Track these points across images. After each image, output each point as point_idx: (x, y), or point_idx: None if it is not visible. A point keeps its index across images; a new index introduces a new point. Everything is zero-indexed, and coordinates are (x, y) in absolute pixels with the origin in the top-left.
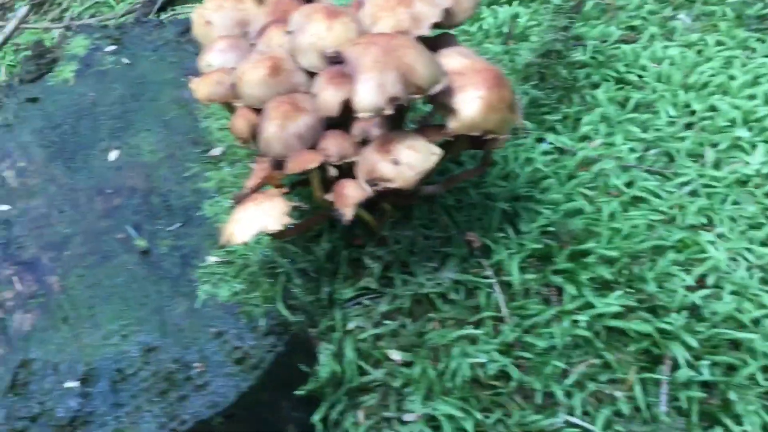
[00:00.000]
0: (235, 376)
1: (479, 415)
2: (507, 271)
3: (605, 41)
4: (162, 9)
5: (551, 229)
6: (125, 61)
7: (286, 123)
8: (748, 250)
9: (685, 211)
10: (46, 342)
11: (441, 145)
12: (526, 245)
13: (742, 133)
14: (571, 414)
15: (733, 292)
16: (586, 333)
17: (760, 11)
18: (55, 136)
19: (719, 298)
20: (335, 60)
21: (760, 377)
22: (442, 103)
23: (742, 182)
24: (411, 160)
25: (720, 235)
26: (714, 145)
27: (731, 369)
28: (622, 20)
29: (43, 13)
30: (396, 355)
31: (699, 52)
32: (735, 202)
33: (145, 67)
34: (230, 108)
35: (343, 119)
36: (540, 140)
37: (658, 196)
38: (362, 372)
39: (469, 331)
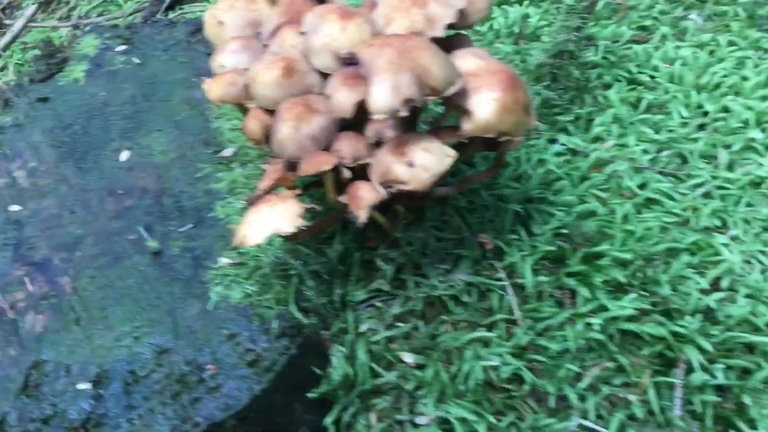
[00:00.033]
0: (248, 379)
1: (492, 419)
2: (520, 274)
3: (617, 41)
4: (170, 8)
5: (564, 231)
6: (136, 61)
7: (300, 124)
8: (763, 252)
9: (698, 213)
10: (58, 343)
11: (454, 147)
12: (539, 247)
13: (756, 134)
14: (584, 418)
15: (747, 296)
16: (600, 336)
17: None
18: (65, 136)
19: (733, 301)
20: (349, 61)
21: None
22: (456, 104)
23: (756, 184)
24: (426, 162)
25: (734, 238)
26: (727, 147)
27: (746, 372)
28: (634, 20)
29: (51, 11)
30: (408, 358)
31: (711, 52)
32: (749, 204)
33: (156, 67)
34: (243, 109)
35: (357, 120)
36: (552, 141)
37: (671, 197)
38: (374, 374)
39: (482, 333)
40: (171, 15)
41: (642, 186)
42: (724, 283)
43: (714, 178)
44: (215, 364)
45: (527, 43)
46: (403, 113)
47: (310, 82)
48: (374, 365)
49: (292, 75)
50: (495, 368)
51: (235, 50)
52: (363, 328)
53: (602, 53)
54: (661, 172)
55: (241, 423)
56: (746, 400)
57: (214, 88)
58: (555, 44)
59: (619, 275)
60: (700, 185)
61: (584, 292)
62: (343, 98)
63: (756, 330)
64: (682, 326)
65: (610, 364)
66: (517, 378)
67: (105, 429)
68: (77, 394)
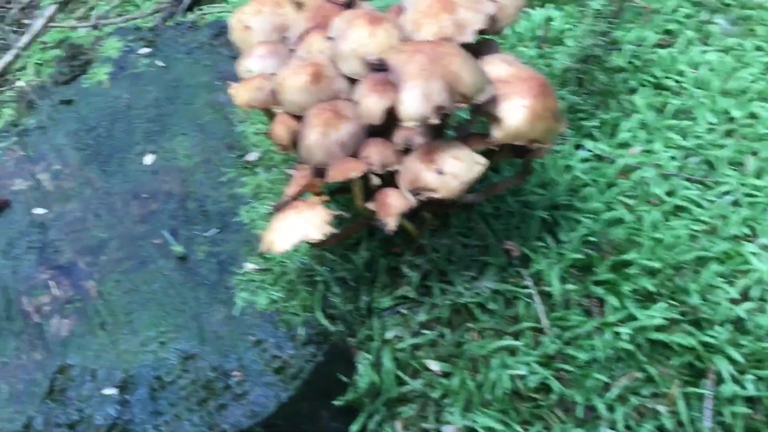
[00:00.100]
0: (275, 386)
1: (519, 428)
2: (547, 281)
3: (640, 45)
4: (189, 8)
5: (592, 238)
6: (159, 63)
7: (328, 130)
8: None
9: (727, 221)
10: (84, 348)
11: (483, 154)
12: (567, 255)
13: None
14: (613, 428)
15: None
16: (629, 346)
17: None
18: (90, 139)
19: (763, 311)
20: (378, 67)
21: None
22: (486, 111)
23: None
24: (455, 169)
25: (764, 246)
26: (755, 153)
27: None
28: (658, 24)
29: (69, 11)
30: (434, 366)
31: (737, 57)
32: None
33: (180, 69)
34: (269, 114)
35: (384, 127)
36: (578, 147)
37: (699, 205)
38: (400, 382)
39: (509, 342)
40: (190, 16)
41: (670, 193)
42: (754, 292)
43: (742, 185)
44: (241, 371)
45: (551, 47)
46: (434, 121)
47: (337, 88)
48: (400, 373)
49: (320, 80)
50: (522, 377)
51: (262, 55)
52: (389, 335)
53: (628, 57)
54: (688, 179)
55: (267, 431)
56: None
57: (240, 93)
58: (581, 48)
59: (648, 284)
60: (728, 193)
61: (612, 300)
62: (372, 104)
63: None
64: (711, 336)
65: (639, 375)
66: (544, 387)
67: None
68: (103, 399)
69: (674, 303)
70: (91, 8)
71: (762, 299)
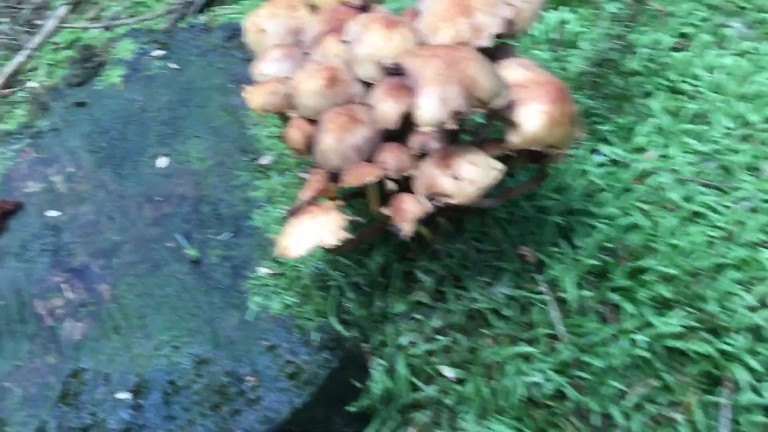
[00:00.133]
0: (289, 392)
1: None
2: (562, 288)
3: (655, 48)
4: (200, 10)
5: (608, 244)
6: (173, 66)
7: (344, 135)
8: None
9: (744, 228)
10: (97, 351)
11: (499, 159)
12: (582, 261)
13: None
14: None
15: None
16: (645, 353)
17: None
18: (103, 142)
19: None
20: (393, 71)
21: None
22: (503, 116)
23: None
24: (472, 175)
25: None
26: None
27: None
28: (673, 27)
29: (81, 12)
30: (448, 372)
31: (753, 61)
32: None
33: (193, 72)
34: (283, 118)
35: (400, 131)
36: (593, 151)
37: (716, 211)
38: (414, 388)
39: (524, 348)
40: (202, 17)
41: (686, 199)
42: None
43: (759, 191)
44: (255, 376)
45: (565, 50)
46: (451, 126)
47: (353, 92)
48: (414, 379)
49: (335, 84)
50: (537, 384)
51: (276, 58)
52: (403, 341)
53: (643, 61)
54: (705, 185)
55: None
56: None
57: (255, 97)
58: (596, 52)
59: (665, 291)
60: (744, 198)
61: (629, 307)
62: (388, 109)
63: None
64: (729, 344)
65: (656, 383)
66: (559, 395)
67: None
68: (116, 403)
69: (691, 310)
70: (103, 9)
71: None
